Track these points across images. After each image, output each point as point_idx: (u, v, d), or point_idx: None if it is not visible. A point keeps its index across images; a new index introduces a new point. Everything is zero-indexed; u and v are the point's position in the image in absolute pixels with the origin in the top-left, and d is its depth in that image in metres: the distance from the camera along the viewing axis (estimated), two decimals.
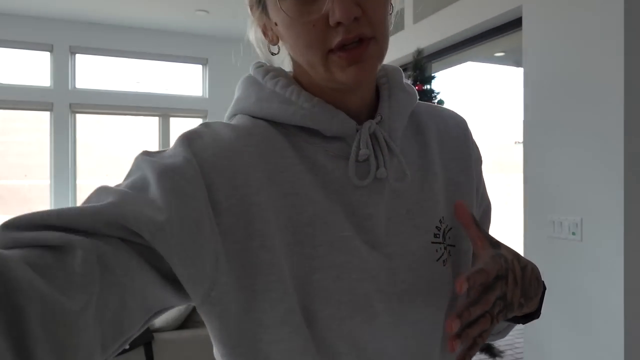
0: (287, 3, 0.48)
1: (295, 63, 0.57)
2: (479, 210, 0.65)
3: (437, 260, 0.56)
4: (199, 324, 2.33)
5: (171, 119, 5.57)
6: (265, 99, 0.54)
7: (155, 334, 2.18)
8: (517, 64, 2.73)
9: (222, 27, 5.25)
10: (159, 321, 2.25)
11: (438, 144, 0.61)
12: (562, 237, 2.04)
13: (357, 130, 0.53)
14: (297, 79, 0.57)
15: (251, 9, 0.56)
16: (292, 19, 0.48)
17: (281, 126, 0.53)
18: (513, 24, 2.41)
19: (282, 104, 0.53)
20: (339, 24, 0.47)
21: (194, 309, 2.28)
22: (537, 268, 0.57)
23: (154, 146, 5.41)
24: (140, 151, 0.49)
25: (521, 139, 2.31)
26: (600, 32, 1.90)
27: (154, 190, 0.43)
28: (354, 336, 0.50)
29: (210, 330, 0.51)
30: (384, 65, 0.59)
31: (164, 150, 0.49)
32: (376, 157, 0.53)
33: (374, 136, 0.54)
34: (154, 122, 5.44)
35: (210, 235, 0.44)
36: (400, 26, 3.53)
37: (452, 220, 0.58)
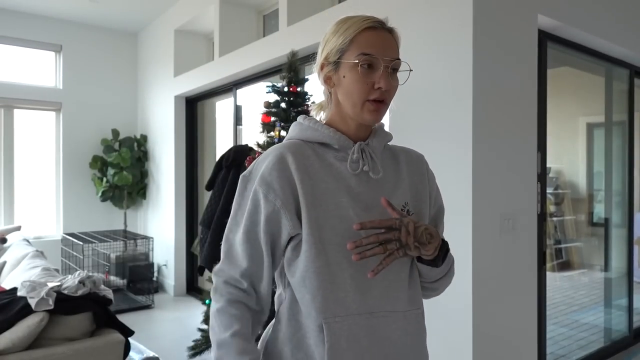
0: (361, 69, 0.92)
1: (334, 111, 1.01)
2: (433, 209, 1.09)
3: None
4: (53, 341, 2.09)
5: (16, 110, 4.91)
6: (304, 129, 1.00)
7: None
8: None
9: (79, 11, 4.77)
10: (3, 342, 1.97)
11: (406, 166, 1.05)
12: None
13: (353, 146, 0.97)
14: (330, 124, 1.01)
15: (321, 68, 0.98)
16: (361, 78, 0.92)
17: (310, 143, 0.99)
18: None
19: (313, 132, 0.99)
20: (379, 88, 0.92)
21: (46, 327, 2.04)
22: (434, 230, 0.95)
23: None
24: (242, 178, 0.97)
25: None
26: (455, 48, 2.14)
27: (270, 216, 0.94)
28: (351, 257, 0.89)
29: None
30: None
31: (260, 166, 0.96)
32: (363, 159, 0.96)
33: (363, 150, 0.97)
34: None
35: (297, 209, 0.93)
36: (274, 27, 3.55)
37: (414, 208, 1.01)
